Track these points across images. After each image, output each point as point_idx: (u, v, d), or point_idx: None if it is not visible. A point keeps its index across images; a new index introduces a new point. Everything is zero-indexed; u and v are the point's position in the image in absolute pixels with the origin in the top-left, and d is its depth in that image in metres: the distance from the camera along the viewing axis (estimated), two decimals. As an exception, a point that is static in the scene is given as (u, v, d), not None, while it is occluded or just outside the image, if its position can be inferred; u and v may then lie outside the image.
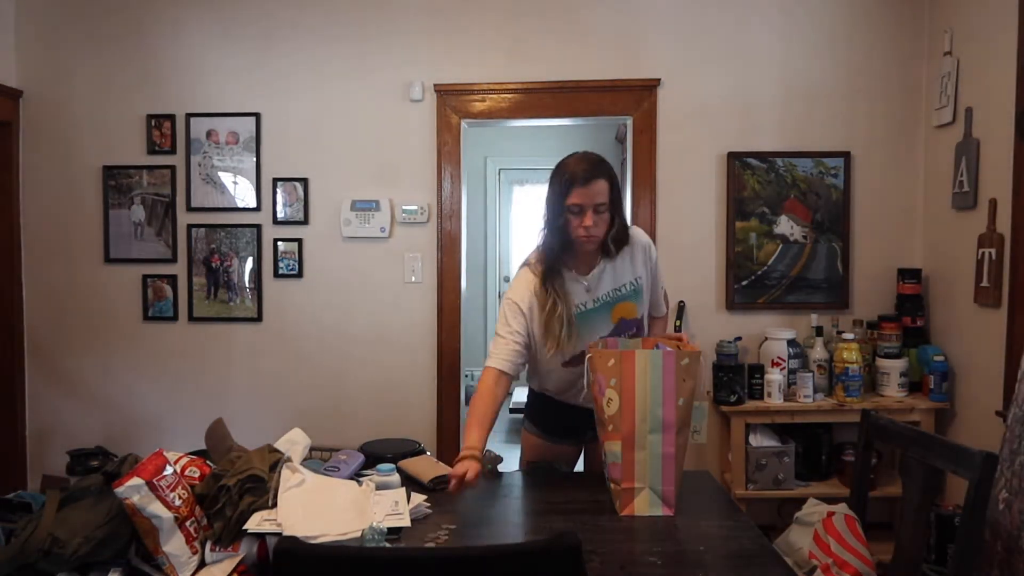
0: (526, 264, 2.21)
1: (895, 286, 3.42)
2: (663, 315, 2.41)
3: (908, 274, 3.34)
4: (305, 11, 3.58)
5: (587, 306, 2.15)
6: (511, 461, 2.47)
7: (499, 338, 2.13)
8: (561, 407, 2.32)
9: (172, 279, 3.67)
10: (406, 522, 1.76)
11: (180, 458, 1.78)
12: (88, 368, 3.72)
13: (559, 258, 2.12)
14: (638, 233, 2.23)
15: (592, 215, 2.04)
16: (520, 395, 4.57)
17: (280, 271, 3.64)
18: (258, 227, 3.63)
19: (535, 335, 2.13)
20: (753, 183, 3.46)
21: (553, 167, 2.13)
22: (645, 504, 1.87)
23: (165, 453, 1.67)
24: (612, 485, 1.93)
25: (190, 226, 3.65)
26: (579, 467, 2.47)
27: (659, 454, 1.87)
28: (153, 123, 3.64)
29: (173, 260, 3.67)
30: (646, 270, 2.22)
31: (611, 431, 1.89)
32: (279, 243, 3.63)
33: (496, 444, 4.07)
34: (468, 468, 1.88)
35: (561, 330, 2.07)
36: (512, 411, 5.34)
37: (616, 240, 2.12)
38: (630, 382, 1.86)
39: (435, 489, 2.04)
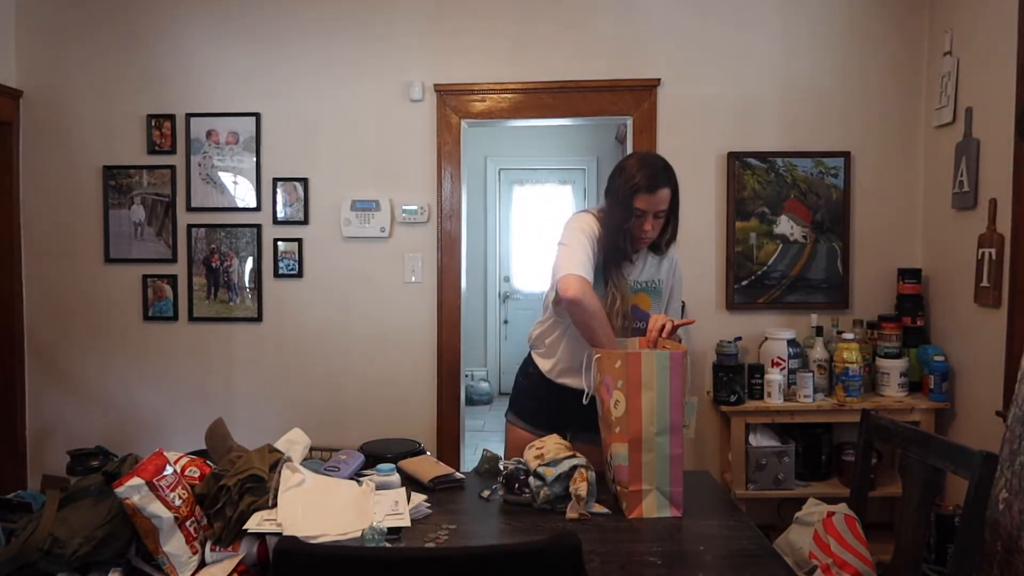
0: (588, 212, 2.29)
1: (895, 286, 3.42)
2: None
3: (908, 274, 3.34)
4: (305, 11, 3.58)
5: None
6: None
7: (578, 252, 2.14)
8: (555, 392, 2.32)
9: (172, 279, 3.67)
10: (406, 522, 1.76)
11: (180, 458, 1.78)
12: (88, 368, 3.72)
13: (622, 250, 2.20)
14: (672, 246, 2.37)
15: (652, 219, 2.16)
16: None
17: (280, 271, 3.64)
18: (258, 227, 3.63)
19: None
20: (753, 183, 3.46)
21: (614, 166, 2.25)
22: (653, 506, 1.87)
23: (165, 453, 1.67)
24: (618, 488, 1.92)
25: (190, 226, 3.65)
26: None
27: (667, 455, 1.87)
28: (153, 123, 3.65)
29: (173, 260, 3.67)
30: (668, 280, 2.35)
31: (618, 433, 1.89)
32: (279, 243, 3.63)
33: (495, 444, 4.07)
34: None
35: (618, 319, 2.18)
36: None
37: (668, 243, 2.28)
38: (636, 383, 1.86)
39: (435, 489, 2.04)
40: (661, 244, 2.26)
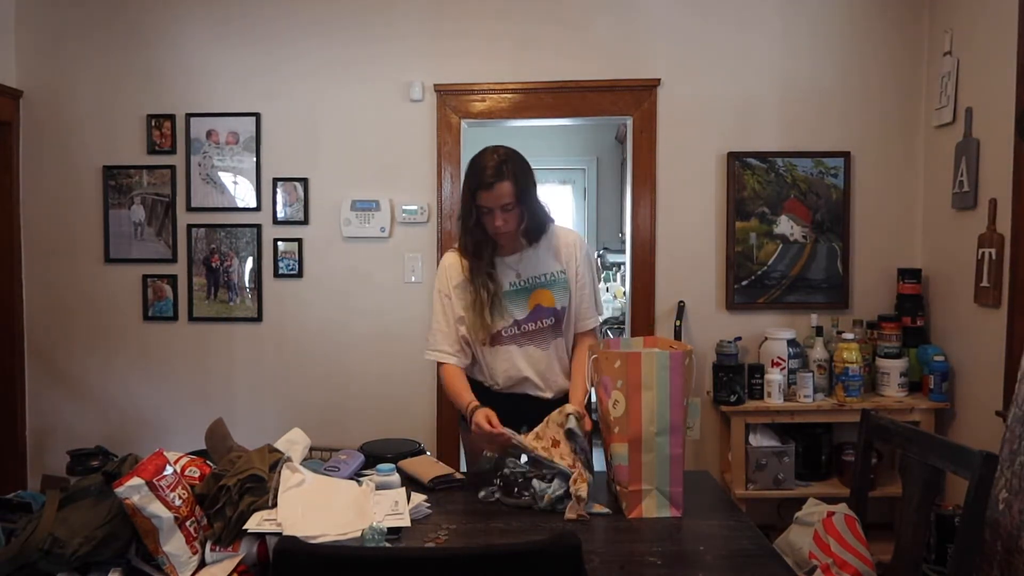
0: (453, 249, 2.31)
1: (895, 286, 3.42)
2: (590, 330, 2.33)
3: (908, 274, 3.34)
4: (305, 11, 3.58)
5: (513, 286, 2.24)
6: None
7: (439, 332, 2.25)
8: (508, 401, 2.24)
9: (172, 279, 3.67)
10: (406, 522, 1.76)
11: (180, 458, 1.78)
12: (88, 368, 3.72)
13: (480, 245, 2.20)
14: (565, 232, 2.33)
15: (500, 214, 2.13)
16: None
17: (280, 271, 3.64)
18: (258, 227, 3.63)
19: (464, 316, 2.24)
20: (753, 183, 3.46)
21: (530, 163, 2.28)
22: (653, 506, 1.87)
23: (165, 453, 1.66)
24: (618, 488, 1.92)
25: (190, 226, 3.65)
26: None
27: (667, 455, 1.87)
28: (153, 123, 3.64)
29: (173, 260, 3.67)
30: (570, 269, 2.29)
31: (617, 433, 1.89)
32: (279, 243, 3.63)
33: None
34: (487, 415, 2.04)
35: (485, 311, 2.18)
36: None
37: (528, 233, 2.21)
38: (636, 384, 1.86)
39: (435, 489, 2.04)
40: (520, 234, 2.21)
